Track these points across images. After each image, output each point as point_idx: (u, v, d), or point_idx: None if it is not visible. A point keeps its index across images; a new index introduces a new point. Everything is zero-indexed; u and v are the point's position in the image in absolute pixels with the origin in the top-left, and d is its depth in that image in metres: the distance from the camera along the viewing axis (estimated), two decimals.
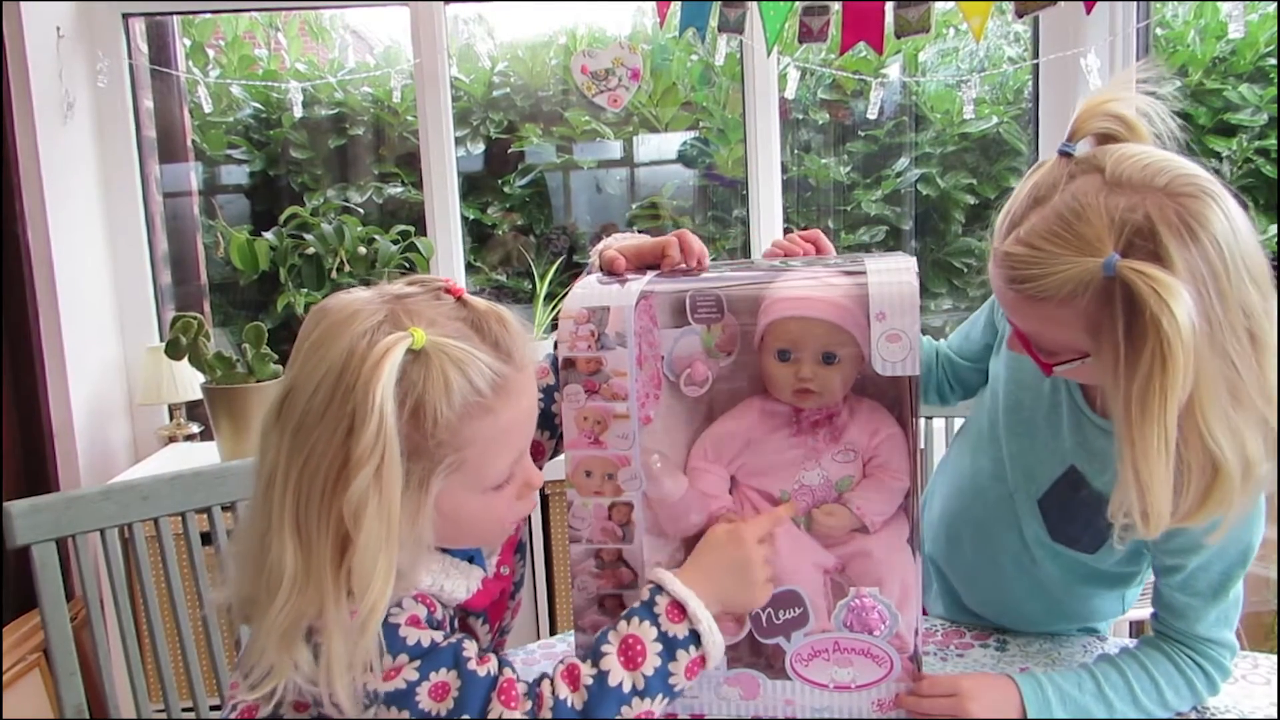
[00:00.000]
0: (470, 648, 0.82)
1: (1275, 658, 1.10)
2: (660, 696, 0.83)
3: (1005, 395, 1.09)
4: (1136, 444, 0.80)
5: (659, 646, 0.84)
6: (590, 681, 0.82)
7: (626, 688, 0.82)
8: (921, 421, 1.64)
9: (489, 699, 0.80)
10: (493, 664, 0.82)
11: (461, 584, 0.87)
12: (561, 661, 0.85)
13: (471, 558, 0.90)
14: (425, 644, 0.80)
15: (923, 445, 1.71)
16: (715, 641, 0.85)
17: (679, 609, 0.85)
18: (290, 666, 0.75)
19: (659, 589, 0.86)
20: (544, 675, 0.84)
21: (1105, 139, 0.88)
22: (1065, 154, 0.88)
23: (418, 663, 0.79)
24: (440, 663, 0.80)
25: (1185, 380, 0.77)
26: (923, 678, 0.93)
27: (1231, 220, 0.81)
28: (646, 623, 0.84)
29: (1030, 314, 0.87)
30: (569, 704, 0.81)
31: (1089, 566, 1.06)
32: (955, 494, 1.17)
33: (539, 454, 1.01)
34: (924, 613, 1.25)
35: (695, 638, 0.84)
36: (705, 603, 0.86)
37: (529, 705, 0.81)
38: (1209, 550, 0.95)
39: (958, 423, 1.76)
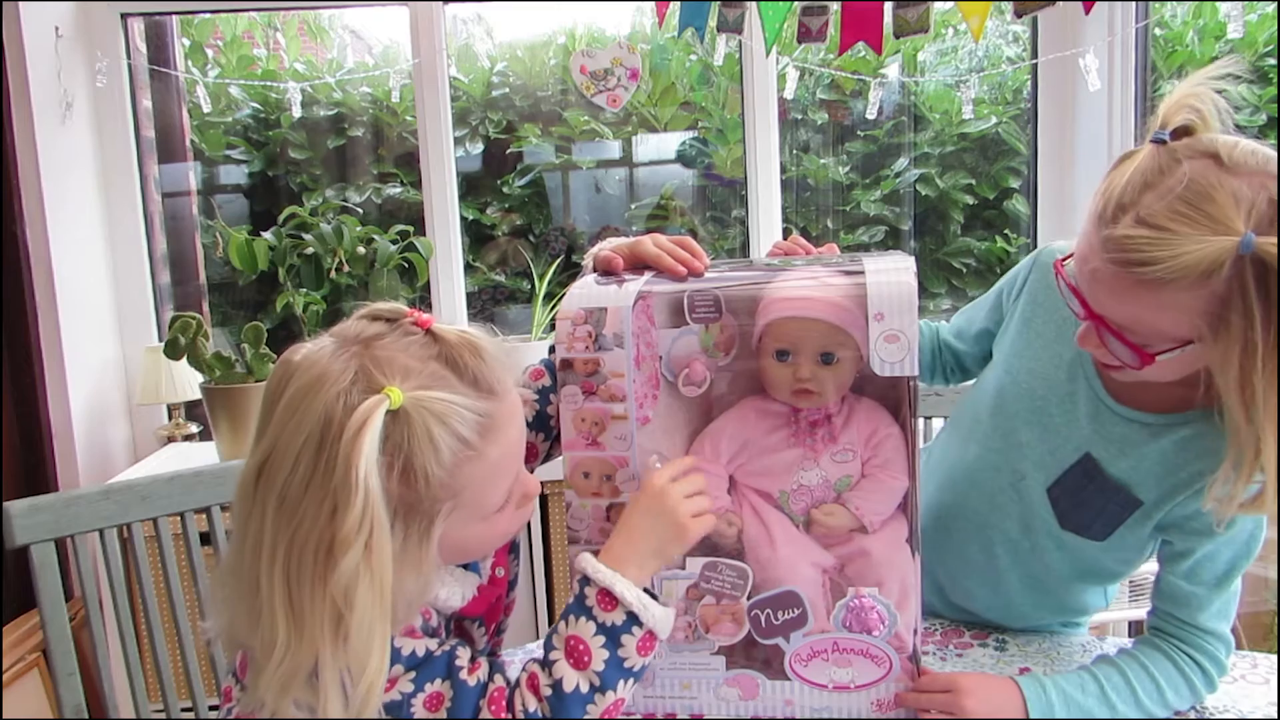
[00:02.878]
0: (463, 655, 0.82)
1: (1275, 657, 1.10)
2: (622, 683, 0.83)
3: (1015, 384, 1.09)
4: (1270, 424, 0.82)
5: (601, 639, 0.83)
6: (549, 692, 0.81)
7: (584, 688, 0.81)
8: (920, 421, 1.64)
9: (479, 707, 0.80)
10: (483, 671, 0.82)
11: (457, 592, 0.86)
12: (524, 669, 0.84)
13: (467, 564, 0.90)
14: (420, 653, 0.80)
15: (923, 444, 1.71)
16: (654, 616, 0.84)
17: (609, 596, 0.83)
18: (292, 708, 0.74)
19: (586, 580, 0.85)
20: (516, 684, 0.83)
21: (1183, 131, 0.88)
22: (1160, 141, 0.87)
23: (413, 673, 0.79)
24: (435, 673, 0.80)
25: None
26: (923, 674, 0.93)
27: None
28: (583, 619, 0.83)
29: (1142, 300, 0.84)
30: (538, 714, 0.81)
31: (1091, 557, 1.06)
32: (946, 485, 1.17)
33: (532, 456, 1.00)
34: None
35: (635, 618, 0.83)
36: (642, 565, 0.85)
37: (514, 716, 0.81)
38: (1219, 538, 0.96)
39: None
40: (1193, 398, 0.94)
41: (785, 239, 1.08)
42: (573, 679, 0.81)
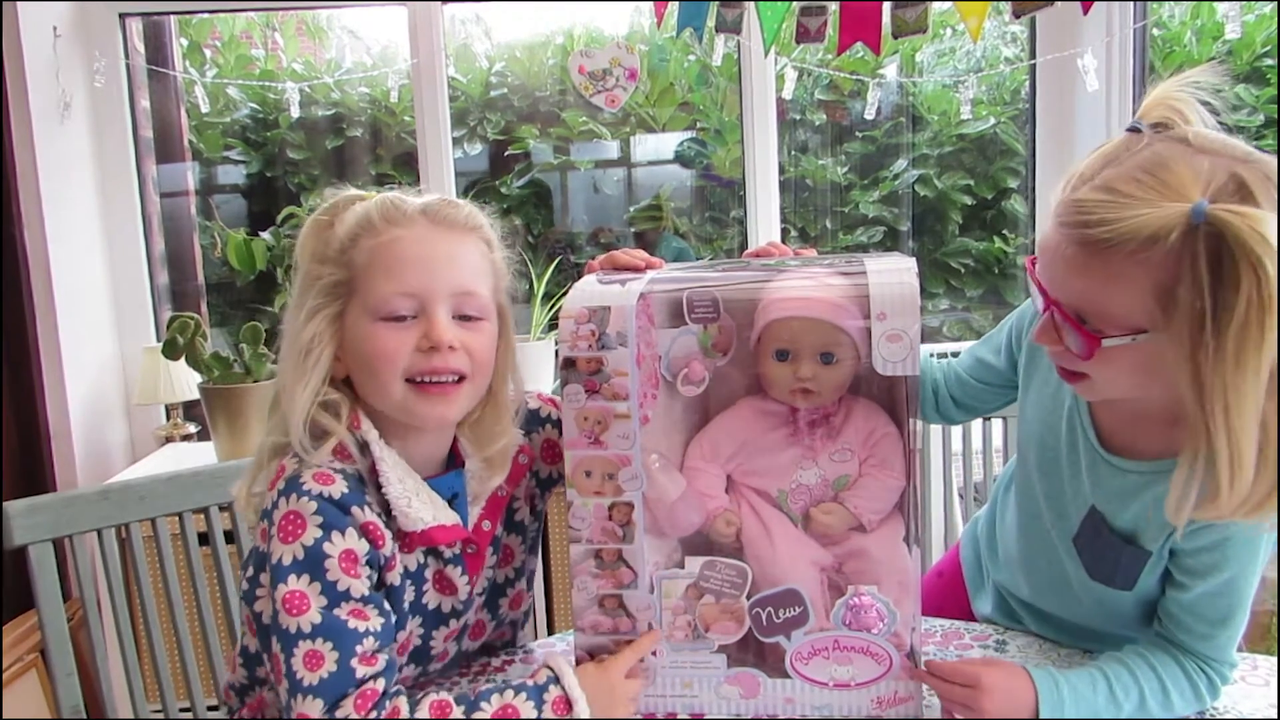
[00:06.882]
0: (369, 644, 0.82)
1: (1275, 658, 1.10)
2: None
3: (1030, 434, 1.07)
4: (1231, 403, 0.77)
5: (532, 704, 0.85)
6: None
7: None
8: (918, 422, 1.64)
9: (346, 695, 0.80)
10: (377, 667, 0.82)
11: (428, 509, 0.89)
12: (437, 688, 0.86)
13: (456, 495, 0.93)
14: (341, 589, 0.82)
15: (920, 445, 1.71)
16: (570, 684, 0.87)
17: (566, 705, 0.87)
18: (308, 402, 0.86)
19: (555, 679, 0.88)
20: (400, 691, 0.84)
21: (1160, 127, 0.86)
22: (1135, 130, 0.86)
23: (319, 615, 0.80)
24: (333, 635, 0.81)
25: None
26: (920, 673, 0.93)
27: None
28: (531, 703, 0.86)
29: (1093, 270, 0.81)
30: None
31: (1129, 602, 1.03)
32: (1017, 522, 1.14)
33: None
34: (973, 618, 1.24)
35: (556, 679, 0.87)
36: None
37: (374, 716, 0.81)
38: (1216, 580, 0.94)
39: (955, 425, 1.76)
40: (1182, 439, 0.88)
41: (782, 240, 1.08)
42: None
